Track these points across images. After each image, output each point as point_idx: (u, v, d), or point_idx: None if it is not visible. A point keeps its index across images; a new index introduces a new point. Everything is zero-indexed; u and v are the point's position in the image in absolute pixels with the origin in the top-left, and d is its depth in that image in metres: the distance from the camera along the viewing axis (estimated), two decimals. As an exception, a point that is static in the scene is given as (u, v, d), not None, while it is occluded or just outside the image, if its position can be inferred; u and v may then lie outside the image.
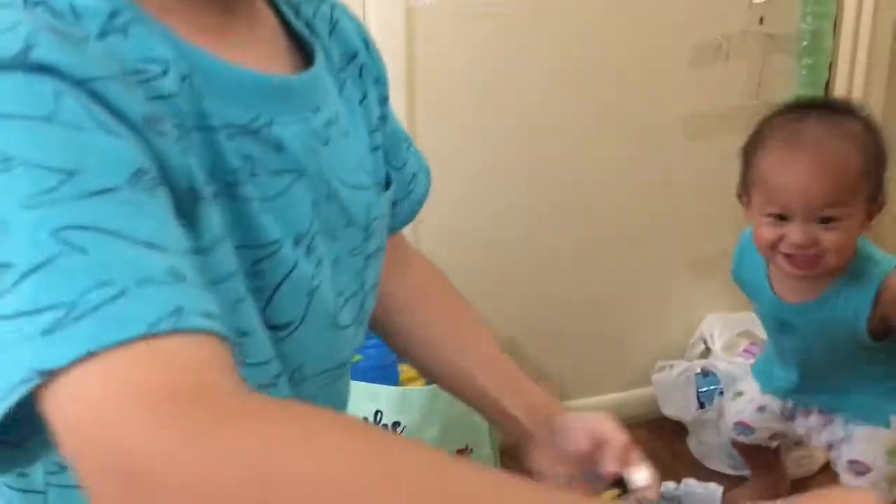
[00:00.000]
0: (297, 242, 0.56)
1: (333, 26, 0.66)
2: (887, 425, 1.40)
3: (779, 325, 1.43)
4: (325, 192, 0.58)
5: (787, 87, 1.88)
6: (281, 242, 0.54)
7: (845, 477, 1.43)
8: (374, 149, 0.67)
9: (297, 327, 0.58)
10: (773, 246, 1.29)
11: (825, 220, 1.24)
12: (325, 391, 0.65)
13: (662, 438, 1.89)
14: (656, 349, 1.99)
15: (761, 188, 1.29)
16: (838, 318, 1.34)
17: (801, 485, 1.72)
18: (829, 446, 1.49)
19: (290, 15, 0.63)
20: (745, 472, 1.74)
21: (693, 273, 1.98)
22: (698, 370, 1.85)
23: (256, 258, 0.54)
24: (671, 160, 1.88)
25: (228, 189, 0.52)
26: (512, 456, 1.64)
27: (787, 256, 1.29)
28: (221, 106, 0.51)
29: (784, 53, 1.87)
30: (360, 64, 0.67)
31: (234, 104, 0.52)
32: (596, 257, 1.89)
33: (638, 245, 1.92)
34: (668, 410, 1.90)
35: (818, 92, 1.89)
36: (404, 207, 0.77)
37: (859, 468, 1.42)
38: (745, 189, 1.36)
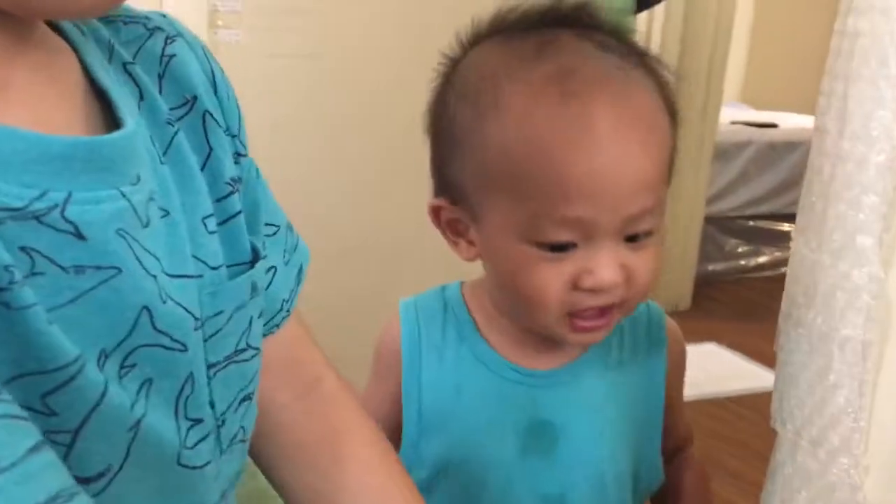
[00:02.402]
0: (103, 361, 0.42)
1: (166, 65, 0.51)
2: None
3: (524, 432, 0.76)
4: (153, 292, 0.44)
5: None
6: (81, 362, 0.40)
7: None
8: (224, 221, 0.52)
9: (115, 475, 0.42)
10: (565, 297, 0.68)
11: (634, 236, 0.68)
12: None
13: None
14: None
15: (519, 190, 0.66)
16: (628, 385, 0.78)
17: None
18: None
19: (97, 66, 0.47)
20: None
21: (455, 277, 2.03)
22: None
23: (46, 389, 0.39)
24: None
25: (4, 300, 0.37)
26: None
27: (580, 317, 0.69)
28: None
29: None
30: (203, 111, 0.52)
31: (3, 178, 0.38)
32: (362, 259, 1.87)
33: (402, 249, 1.92)
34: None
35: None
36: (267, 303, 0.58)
37: None
38: (463, 198, 0.71)
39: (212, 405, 0.49)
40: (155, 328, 0.44)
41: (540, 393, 0.75)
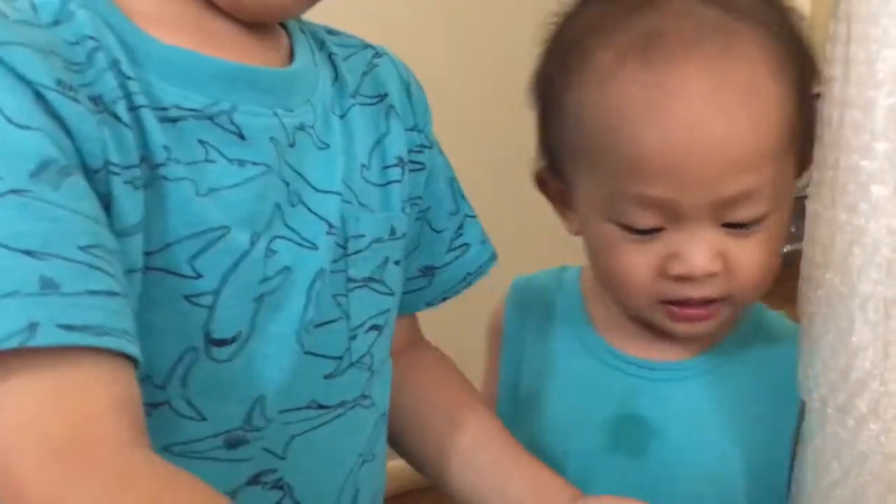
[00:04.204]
0: (255, 239, 0.52)
1: (370, 69, 0.66)
2: None
3: (614, 425, 0.68)
4: (286, 194, 0.55)
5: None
6: (226, 230, 0.50)
7: None
8: (385, 184, 0.64)
9: (246, 341, 0.51)
10: (653, 285, 0.62)
11: (739, 224, 0.59)
12: (309, 445, 0.56)
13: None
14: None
15: (597, 165, 0.61)
16: (755, 401, 0.66)
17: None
18: None
19: (299, 46, 0.61)
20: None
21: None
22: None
23: (194, 251, 0.49)
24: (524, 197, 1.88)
25: (161, 174, 0.48)
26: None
27: (676, 305, 0.62)
28: (166, 89, 0.50)
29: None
30: (389, 105, 0.66)
31: (185, 88, 0.51)
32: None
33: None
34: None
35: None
36: (442, 278, 0.71)
37: None
38: (556, 168, 0.67)
39: (347, 316, 0.58)
40: (285, 224, 0.54)
41: (637, 383, 0.67)
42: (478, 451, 0.66)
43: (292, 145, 0.56)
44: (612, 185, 0.60)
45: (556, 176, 0.67)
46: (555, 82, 0.64)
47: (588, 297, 0.72)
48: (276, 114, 0.55)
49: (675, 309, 0.63)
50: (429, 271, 0.71)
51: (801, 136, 0.60)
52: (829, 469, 0.68)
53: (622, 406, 0.68)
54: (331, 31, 0.68)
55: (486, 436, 0.67)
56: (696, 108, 0.56)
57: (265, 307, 0.52)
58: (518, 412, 0.73)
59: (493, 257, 0.75)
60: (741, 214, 0.59)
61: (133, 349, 0.42)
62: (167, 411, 0.50)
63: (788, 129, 0.59)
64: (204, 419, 0.51)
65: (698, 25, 0.58)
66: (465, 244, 0.72)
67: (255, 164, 0.53)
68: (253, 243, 0.52)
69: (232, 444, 0.53)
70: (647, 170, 0.57)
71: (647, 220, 0.59)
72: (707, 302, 0.62)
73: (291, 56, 0.60)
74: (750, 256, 0.60)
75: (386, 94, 0.67)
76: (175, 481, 0.42)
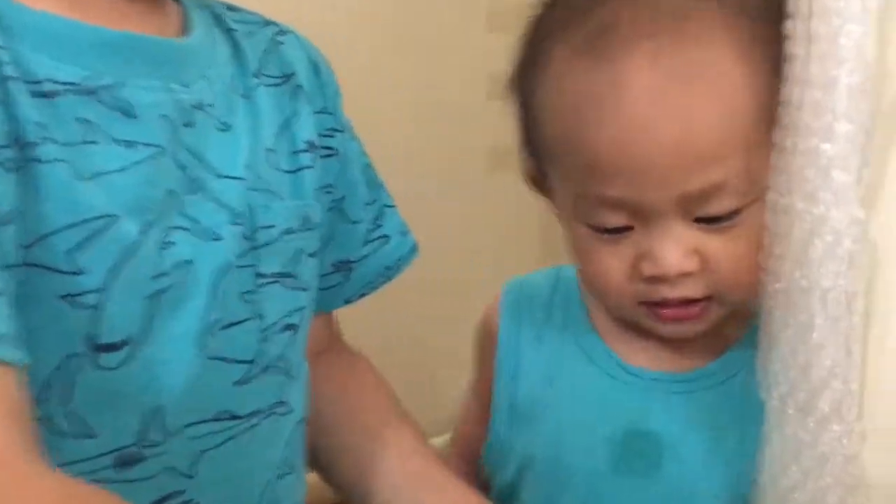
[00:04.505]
0: (146, 229, 0.46)
1: (273, 46, 0.62)
2: None
3: (621, 442, 0.63)
4: (182, 180, 0.50)
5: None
6: (113, 219, 0.44)
7: None
8: (295, 171, 0.60)
9: (138, 345, 0.45)
10: (630, 287, 0.59)
11: (713, 218, 0.56)
12: (220, 460, 0.50)
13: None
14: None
15: (560, 167, 0.59)
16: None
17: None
18: None
19: (194, 18, 0.56)
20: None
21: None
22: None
23: (76, 242, 0.43)
24: (472, 193, 1.85)
25: (34, 155, 0.42)
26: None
27: (657, 305, 0.59)
28: (39, 60, 0.44)
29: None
30: (296, 85, 0.62)
31: (59, 59, 0.45)
32: (398, 295, 1.81)
33: (442, 282, 1.85)
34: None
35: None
36: (360, 273, 0.67)
37: None
38: (537, 164, 0.64)
39: (259, 315, 0.53)
40: (183, 213, 0.49)
41: (647, 396, 0.63)
42: (396, 465, 0.63)
43: (189, 125, 0.51)
44: (575, 186, 0.58)
45: (538, 171, 0.65)
46: (525, 81, 0.62)
47: (589, 300, 0.68)
48: (169, 89, 0.50)
49: (657, 310, 0.60)
50: (344, 266, 0.66)
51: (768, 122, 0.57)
52: (787, 471, 0.65)
53: (631, 420, 0.63)
54: (230, 7, 0.63)
55: (405, 449, 0.64)
56: (648, 102, 0.53)
57: (161, 306, 0.47)
58: (516, 424, 0.70)
59: (413, 249, 0.71)
60: (712, 209, 0.56)
61: (11, 354, 0.37)
62: (45, 428, 0.43)
63: (763, 115, 0.55)
64: (90, 436, 0.45)
65: (654, 14, 0.55)
66: (384, 236, 0.69)
67: (144, 144, 0.47)
68: (144, 234, 0.46)
69: (124, 463, 0.47)
70: (603, 170, 0.55)
71: (613, 219, 0.57)
72: (689, 302, 0.59)
73: (185, 32, 0.56)
74: (731, 252, 0.57)
75: (292, 74, 0.62)
76: (80, 494, 0.37)
